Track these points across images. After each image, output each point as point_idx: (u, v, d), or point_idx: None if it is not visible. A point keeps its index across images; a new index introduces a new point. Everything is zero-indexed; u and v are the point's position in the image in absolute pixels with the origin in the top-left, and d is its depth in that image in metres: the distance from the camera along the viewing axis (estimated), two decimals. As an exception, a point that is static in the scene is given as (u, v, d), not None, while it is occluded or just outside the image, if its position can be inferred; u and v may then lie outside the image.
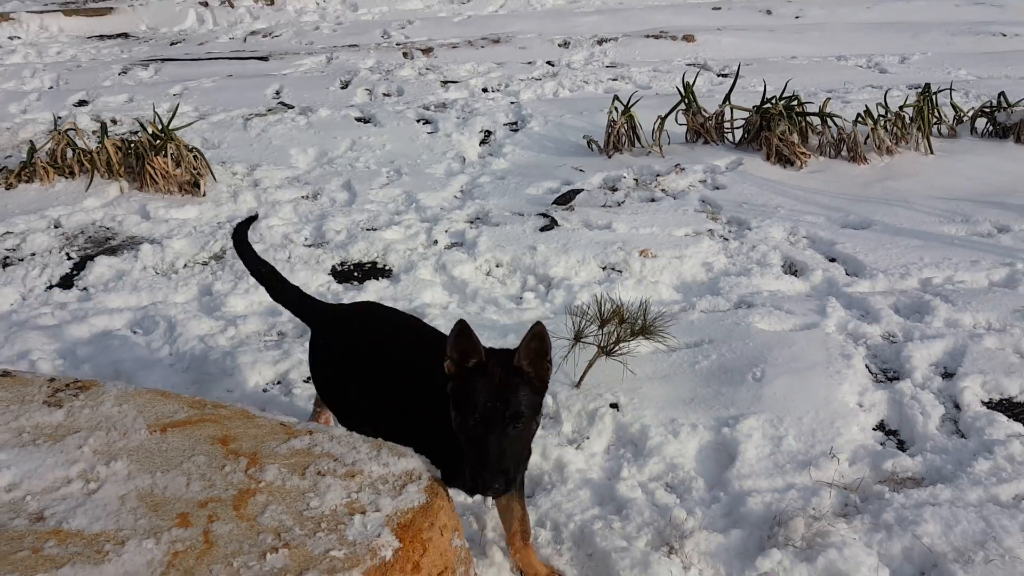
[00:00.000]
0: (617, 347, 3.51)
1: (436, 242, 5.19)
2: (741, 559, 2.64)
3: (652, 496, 2.96)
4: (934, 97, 6.42)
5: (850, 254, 4.84)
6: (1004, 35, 9.96)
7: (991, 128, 6.26)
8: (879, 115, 6.21)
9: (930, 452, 3.11)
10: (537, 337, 2.20)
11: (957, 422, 3.32)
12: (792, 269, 4.78)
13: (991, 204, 5.36)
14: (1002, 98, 6.29)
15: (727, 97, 6.51)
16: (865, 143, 6.18)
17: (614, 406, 3.46)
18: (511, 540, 2.57)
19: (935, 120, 6.43)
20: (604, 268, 4.82)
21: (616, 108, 6.57)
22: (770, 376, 3.54)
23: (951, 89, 6.79)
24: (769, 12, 12.02)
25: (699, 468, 3.12)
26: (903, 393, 3.46)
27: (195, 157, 5.99)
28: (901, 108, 6.22)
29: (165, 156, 5.86)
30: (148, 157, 5.85)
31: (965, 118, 6.48)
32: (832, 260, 4.86)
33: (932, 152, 6.08)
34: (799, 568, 2.53)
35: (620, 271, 4.78)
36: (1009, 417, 3.30)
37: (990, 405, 3.41)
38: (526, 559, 2.56)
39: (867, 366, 3.71)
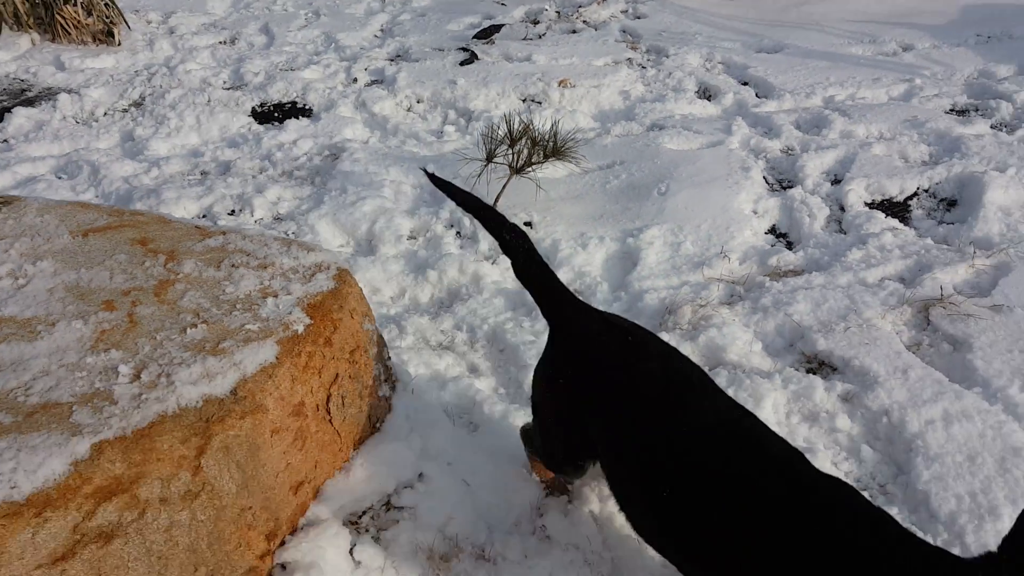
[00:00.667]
0: (529, 167, 3.69)
1: (356, 80, 5.23)
2: (635, 343, 2.94)
3: (560, 298, 3.23)
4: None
5: (761, 77, 5.01)
6: None
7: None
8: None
9: (812, 247, 3.41)
10: None
11: (841, 222, 3.61)
12: (706, 93, 4.95)
13: (899, 24, 5.53)
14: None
15: (649, -75, 6.45)
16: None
17: (528, 224, 3.67)
18: None
19: (853, -57, 6.47)
20: (524, 100, 4.93)
21: (537, -60, 6.47)
22: (674, 190, 3.77)
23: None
24: None
25: (605, 274, 3.38)
26: (794, 199, 3.73)
27: (107, 5, 5.81)
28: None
29: (75, 5, 5.68)
30: (57, 7, 5.67)
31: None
32: (744, 83, 5.03)
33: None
34: (684, 346, 2.84)
35: (540, 102, 4.90)
36: (887, 215, 3.60)
37: (872, 205, 3.70)
38: None
39: (764, 177, 3.96)
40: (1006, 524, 2.09)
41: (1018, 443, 2.31)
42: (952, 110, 4.47)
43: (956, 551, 2.02)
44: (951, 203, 3.68)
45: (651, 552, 2.00)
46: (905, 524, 2.13)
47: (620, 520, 1.97)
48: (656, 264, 3.36)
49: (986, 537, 2.08)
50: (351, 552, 2.09)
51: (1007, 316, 2.78)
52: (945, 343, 2.75)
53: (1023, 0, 5.67)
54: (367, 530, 2.19)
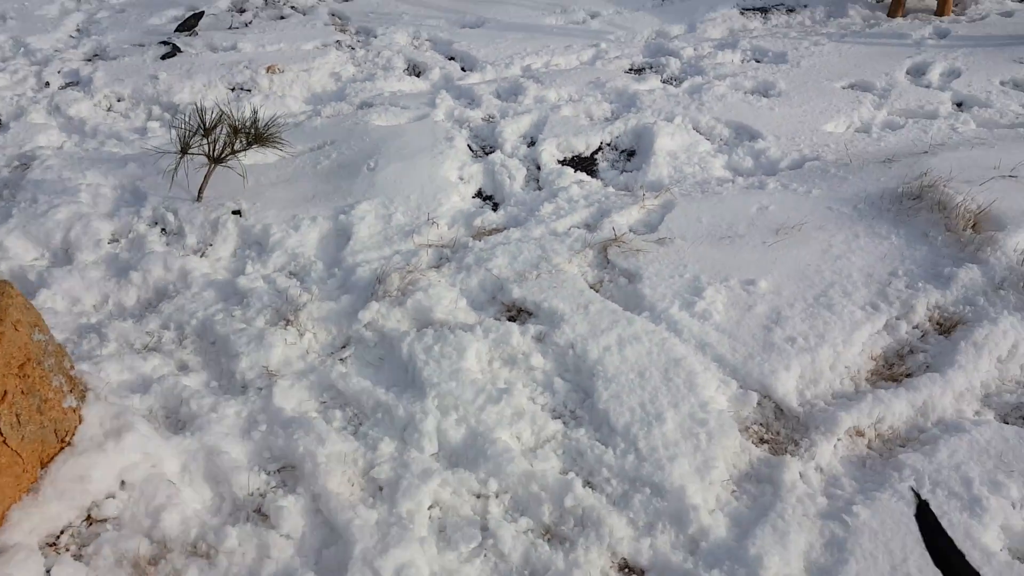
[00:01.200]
0: (231, 155, 3.61)
1: (48, 84, 4.84)
2: (349, 317, 2.99)
3: (274, 284, 3.20)
4: None
5: (465, 51, 5.21)
6: None
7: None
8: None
9: (512, 206, 3.63)
10: None
11: (538, 180, 3.87)
12: (415, 70, 5.07)
13: (584, -7, 5.95)
14: None
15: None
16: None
17: (237, 212, 3.60)
18: None
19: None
20: (232, 89, 4.79)
21: (235, -74, 6.26)
22: (383, 165, 3.85)
23: None
24: None
25: (319, 253, 3.40)
26: (495, 163, 3.94)
27: None
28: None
29: None
30: None
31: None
32: (451, 58, 5.21)
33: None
34: (394, 312, 2.93)
35: (248, 90, 4.79)
36: (575, 169, 3.90)
37: (563, 162, 3.99)
38: None
39: (469, 145, 4.14)
40: (670, 427, 2.38)
41: (678, 355, 2.63)
42: (631, 69, 4.90)
43: (631, 457, 2.29)
44: (630, 153, 4.05)
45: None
46: (592, 439, 2.39)
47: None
48: (368, 237, 3.43)
49: (654, 440, 2.35)
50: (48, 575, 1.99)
51: (669, 247, 3.13)
52: (621, 277, 3.04)
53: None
54: (67, 549, 2.09)
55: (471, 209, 3.65)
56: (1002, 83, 4.43)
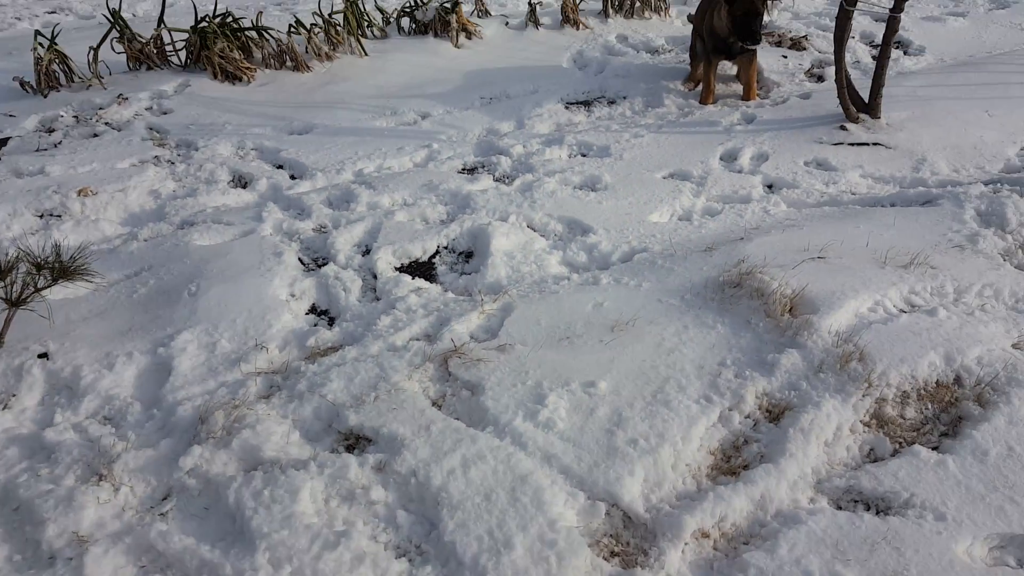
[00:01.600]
0: (33, 296, 3.33)
1: None
2: (169, 465, 2.76)
3: (85, 433, 2.93)
4: (360, 3, 6.91)
5: (294, 158, 5.11)
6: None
7: (414, 26, 6.95)
8: (312, 24, 6.52)
9: (348, 321, 3.52)
10: None
11: (375, 289, 3.79)
12: (241, 182, 4.92)
13: (415, 96, 6.02)
14: (416, -2, 7.02)
15: (160, 19, 6.29)
16: (306, 51, 6.46)
17: (43, 356, 3.30)
18: None
19: (367, 24, 6.94)
20: (41, 216, 4.47)
21: (41, 44, 5.98)
22: (205, 288, 3.65)
23: (375, -7, 7.39)
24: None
25: (136, 393, 3.15)
26: (328, 276, 3.83)
27: None
28: (331, 15, 6.59)
29: None
30: None
31: (392, 19, 7.10)
32: (279, 167, 5.10)
33: (366, 54, 6.59)
34: (219, 455, 2.73)
35: (59, 216, 4.48)
36: (413, 276, 3.85)
37: (400, 269, 3.94)
38: None
39: (300, 259, 4.01)
40: (519, 552, 2.29)
41: (524, 470, 2.57)
42: (464, 169, 4.95)
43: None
44: (468, 255, 4.04)
45: None
46: (437, 578, 2.27)
47: None
48: (191, 370, 3.22)
49: (504, 570, 2.26)
50: None
51: (510, 353, 3.10)
52: (464, 390, 2.98)
53: (511, 64, 6.50)
54: None
55: (304, 328, 3.51)
56: (806, 163, 4.77)
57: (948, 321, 3.06)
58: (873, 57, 6.52)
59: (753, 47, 5.38)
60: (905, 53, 6.53)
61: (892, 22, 4.74)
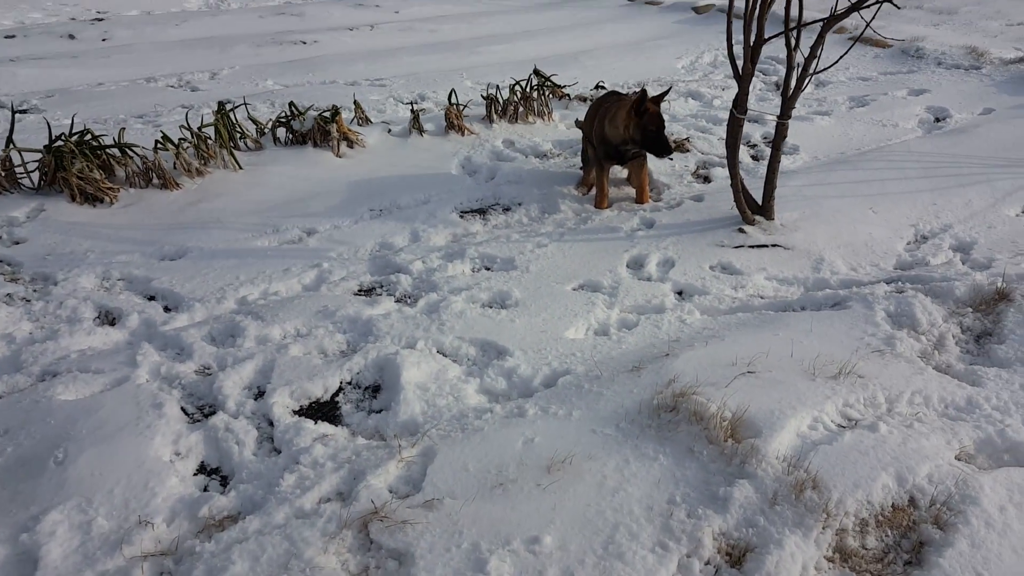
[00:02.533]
0: None
1: None
2: None
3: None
4: (232, 114, 6.64)
5: (167, 288, 4.70)
6: (304, 42, 10.87)
7: (291, 136, 6.71)
8: (180, 138, 6.18)
9: (246, 482, 3.14)
10: None
11: (273, 439, 3.42)
12: (108, 318, 4.45)
13: (298, 211, 5.73)
14: (292, 107, 6.79)
15: (9, 139, 5.79)
16: (175, 168, 6.10)
17: None
18: None
19: (239, 135, 6.65)
20: None
21: None
22: (74, 454, 3.19)
23: (246, 104, 7.12)
24: (72, 37, 11.21)
25: (-8, 596, 2.66)
26: (217, 427, 3.44)
27: None
28: (200, 128, 6.27)
29: None
30: None
31: (267, 130, 6.84)
32: (151, 298, 4.67)
33: (241, 168, 6.27)
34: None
35: None
36: (315, 420, 3.51)
37: (300, 412, 3.59)
38: None
39: (182, 409, 3.61)
40: None
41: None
42: (361, 291, 4.68)
43: None
44: (376, 389, 3.75)
45: None
46: None
47: None
48: (63, 559, 2.76)
49: None
50: None
51: (439, 510, 2.81)
52: (390, 560, 2.66)
53: (399, 173, 6.35)
54: None
55: (194, 494, 3.10)
56: (711, 268, 4.78)
57: (890, 436, 3.01)
58: (753, 157, 6.78)
59: (669, 156, 5.45)
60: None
61: (780, 128, 4.90)
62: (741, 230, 5.13)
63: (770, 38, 4.62)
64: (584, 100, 8.01)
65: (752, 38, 4.59)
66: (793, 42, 4.80)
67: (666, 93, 5.43)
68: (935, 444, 3.01)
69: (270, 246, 5.29)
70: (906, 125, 7.42)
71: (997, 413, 3.22)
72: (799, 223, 5.26)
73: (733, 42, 4.82)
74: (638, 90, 5.30)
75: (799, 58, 4.77)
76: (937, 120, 7.56)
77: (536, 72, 8.01)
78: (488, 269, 4.89)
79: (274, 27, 11.90)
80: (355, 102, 7.28)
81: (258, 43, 10.76)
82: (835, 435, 3.06)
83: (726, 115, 7.65)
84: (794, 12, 4.77)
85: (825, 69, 4.97)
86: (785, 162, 6.65)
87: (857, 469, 2.86)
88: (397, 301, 4.54)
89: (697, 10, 12.19)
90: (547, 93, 7.71)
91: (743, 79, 4.72)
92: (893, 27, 10.16)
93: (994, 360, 3.67)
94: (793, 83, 4.86)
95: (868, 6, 4.34)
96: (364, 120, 7.28)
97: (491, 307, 4.40)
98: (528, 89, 7.49)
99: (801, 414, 3.15)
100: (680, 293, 4.58)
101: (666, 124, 5.37)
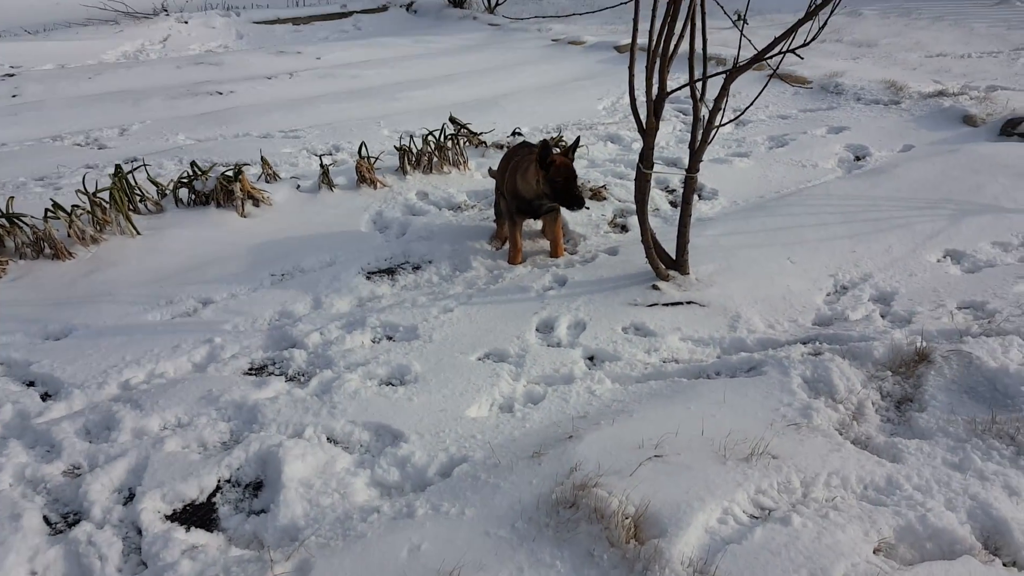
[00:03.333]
0: None
1: None
2: None
3: None
4: (132, 175, 6.30)
5: (47, 372, 4.34)
6: (220, 93, 10.53)
7: (193, 197, 6.38)
8: (74, 205, 5.81)
9: (100, 610, 2.81)
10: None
11: (140, 551, 3.09)
12: (-24, 411, 4.07)
13: (195, 279, 5.41)
14: (194, 166, 6.47)
15: None
16: (69, 235, 5.72)
17: None
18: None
19: (139, 198, 6.30)
20: None
21: None
22: (-96, 586, 2.83)
23: (145, 166, 6.78)
24: (-24, 90, 10.72)
25: None
26: (79, 540, 3.10)
27: None
28: (95, 194, 5.91)
29: None
30: None
31: (168, 191, 6.51)
32: (30, 384, 4.31)
33: (138, 233, 5.93)
34: None
35: None
36: (188, 526, 3.20)
37: (172, 517, 3.27)
38: None
39: (45, 518, 3.26)
40: None
41: None
42: (251, 370, 4.38)
43: None
44: (257, 487, 3.45)
45: None
46: None
47: None
48: None
49: None
50: None
51: (308, 641, 2.52)
52: None
53: (305, 232, 6.07)
54: None
55: (44, 625, 2.76)
56: (624, 329, 4.60)
57: (804, 530, 2.81)
58: (672, 203, 6.66)
59: (584, 207, 5.25)
60: (700, 197, 6.71)
61: (689, 182, 4.76)
62: (655, 286, 4.96)
63: (673, 91, 4.49)
64: (501, 148, 7.84)
65: (655, 91, 4.45)
66: (699, 92, 4.68)
67: (576, 145, 5.26)
68: (852, 537, 2.81)
69: (162, 320, 4.95)
70: (826, 165, 7.39)
71: (919, 494, 3.04)
72: (715, 277, 5.12)
73: (636, 94, 4.68)
74: (540, 141, 5.14)
75: (704, 111, 4.65)
76: (857, 159, 7.55)
77: (452, 120, 7.83)
78: (390, 339, 4.63)
79: (191, 77, 11.52)
80: (262, 158, 6.99)
81: (173, 95, 10.39)
82: (746, 530, 2.84)
83: (645, 160, 7.55)
84: (700, 60, 4.66)
85: (731, 120, 4.86)
86: (703, 208, 6.55)
87: (768, 573, 2.65)
88: (289, 380, 4.24)
89: (619, 49, 12.19)
90: (462, 142, 7.52)
91: (647, 134, 4.57)
92: (812, 62, 10.22)
93: (915, 430, 3.50)
94: (700, 135, 4.73)
95: (770, 57, 4.24)
96: (272, 176, 6.98)
97: (389, 384, 4.14)
98: (443, 138, 7.29)
99: (710, 506, 2.93)
100: (591, 359, 4.38)
101: (578, 174, 5.18)
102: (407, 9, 17.40)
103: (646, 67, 4.53)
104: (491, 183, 7.03)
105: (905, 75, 10.06)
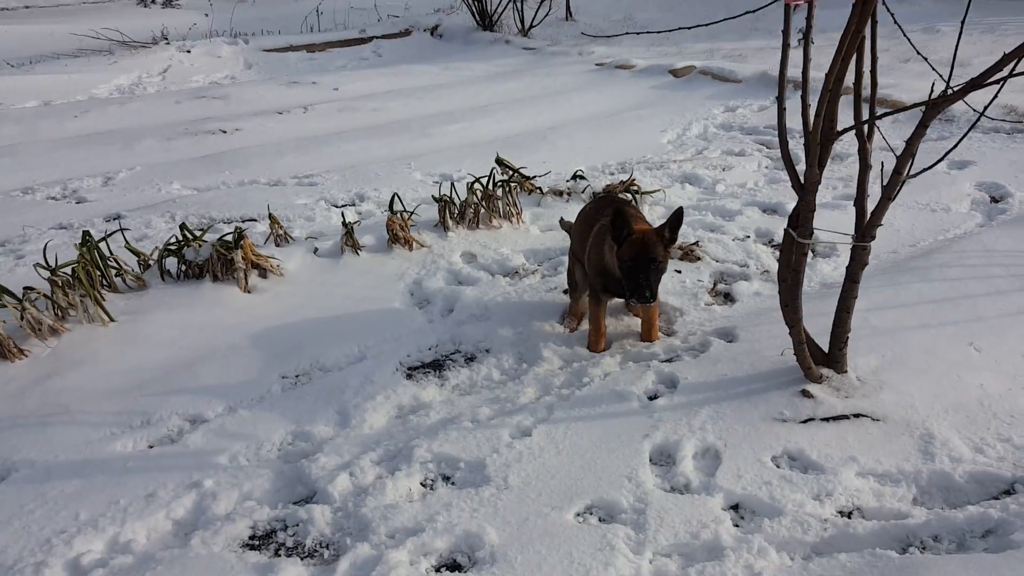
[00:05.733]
0: None
1: None
2: None
3: None
4: (105, 243, 5.15)
5: (-29, 545, 3.15)
6: (224, 131, 9.41)
7: (184, 268, 5.22)
8: (27, 288, 4.67)
9: None
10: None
11: None
12: None
13: (182, 384, 4.21)
14: (185, 230, 5.32)
15: None
16: (21, 327, 4.56)
17: None
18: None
19: (115, 272, 5.15)
20: None
21: None
22: None
23: (123, 230, 5.63)
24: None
25: None
26: None
27: None
28: (56, 270, 4.76)
29: None
30: None
31: (152, 261, 5.35)
32: (-59, 561, 3.11)
33: (111, 319, 4.76)
34: None
35: None
36: None
37: None
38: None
39: None
40: None
41: None
42: (252, 540, 3.16)
43: None
44: None
45: None
46: None
47: None
48: None
49: None
50: None
51: None
52: None
53: (326, 313, 4.89)
54: None
55: None
56: (775, 460, 3.36)
57: None
58: (773, 244, 5.40)
59: (647, 304, 4.04)
60: (814, 253, 5.47)
61: (859, 255, 3.53)
62: (806, 392, 3.71)
63: (844, 131, 3.27)
64: (560, 195, 6.63)
65: (819, 131, 3.23)
66: (866, 132, 3.47)
67: (679, 218, 4.00)
68: None
69: (135, 451, 3.75)
70: (960, 208, 6.14)
71: None
72: (882, 375, 3.85)
73: (787, 136, 3.46)
74: (613, 208, 3.96)
75: (878, 156, 3.43)
76: (994, 200, 6.29)
77: (499, 162, 6.65)
78: (447, 480, 3.40)
79: (192, 113, 10.43)
80: (270, 215, 5.83)
81: (169, 135, 9.28)
82: None
83: (734, 205, 6.33)
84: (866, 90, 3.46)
85: (927, 168, 3.60)
86: (824, 268, 5.30)
87: None
88: (306, 558, 3.02)
89: (675, 73, 11.01)
90: (514, 188, 6.33)
91: (807, 188, 3.35)
92: (905, 84, 9.01)
93: None
94: (867, 188, 3.52)
95: (992, 83, 2.99)
96: (284, 237, 5.82)
97: (452, 567, 2.90)
98: (490, 185, 6.11)
99: None
100: (736, 508, 3.13)
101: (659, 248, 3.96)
102: (431, 33, 16.33)
103: (802, 97, 3.33)
104: (553, 240, 5.85)
105: (1019, 98, 8.79)
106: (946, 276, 4.78)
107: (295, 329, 4.75)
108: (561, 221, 5.32)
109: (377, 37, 15.83)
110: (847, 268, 3.64)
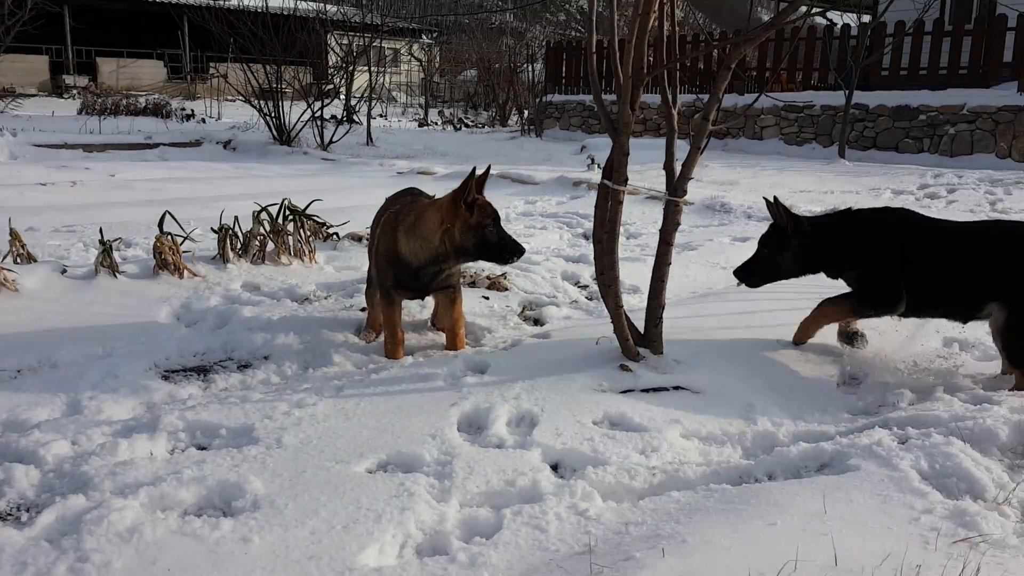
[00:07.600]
0: None
1: None
2: None
3: None
4: None
5: None
6: None
7: None
8: None
9: None
10: None
11: None
12: None
13: None
14: None
15: None
16: None
17: None
18: None
19: None
20: None
21: None
22: None
23: None
24: None
25: None
26: None
27: None
28: None
29: None
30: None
31: None
32: None
33: None
34: None
35: None
36: None
37: None
38: None
39: None
40: None
41: None
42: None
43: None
44: None
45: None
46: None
47: None
48: None
49: None
50: None
51: None
52: None
53: (70, 324, 4.08)
54: None
55: None
56: (596, 423, 2.97)
57: None
58: (588, 298, 5.22)
59: (519, 258, 3.74)
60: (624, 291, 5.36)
61: (672, 212, 3.38)
62: (624, 367, 3.39)
63: (651, 73, 3.15)
64: (359, 239, 6.21)
65: (629, 64, 3.09)
66: (671, 100, 3.39)
67: (486, 175, 3.79)
68: None
69: None
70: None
71: None
72: (697, 358, 3.63)
73: (600, 85, 3.30)
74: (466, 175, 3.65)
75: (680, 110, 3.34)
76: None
77: (290, 207, 6.14)
78: (202, 449, 2.71)
79: None
80: (12, 230, 4.97)
81: None
82: None
83: (539, 257, 6.18)
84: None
85: (723, 124, 3.56)
86: (632, 301, 5.16)
87: None
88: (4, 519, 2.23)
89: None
90: (305, 231, 5.82)
91: (620, 131, 3.17)
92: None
93: None
94: (676, 148, 3.41)
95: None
96: (26, 257, 4.95)
97: (200, 515, 2.23)
98: (280, 220, 5.59)
99: None
100: (556, 467, 2.68)
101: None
102: (224, 146, 15.69)
103: (609, 43, 3.21)
104: (350, 276, 5.37)
105: (789, 199, 9.56)
106: (744, 298, 4.76)
107: (28, 336, 3.89)
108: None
109: (164, 144, 14.98)
110: (660, 230, 3.47)
